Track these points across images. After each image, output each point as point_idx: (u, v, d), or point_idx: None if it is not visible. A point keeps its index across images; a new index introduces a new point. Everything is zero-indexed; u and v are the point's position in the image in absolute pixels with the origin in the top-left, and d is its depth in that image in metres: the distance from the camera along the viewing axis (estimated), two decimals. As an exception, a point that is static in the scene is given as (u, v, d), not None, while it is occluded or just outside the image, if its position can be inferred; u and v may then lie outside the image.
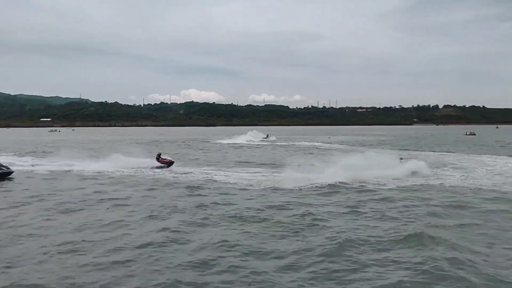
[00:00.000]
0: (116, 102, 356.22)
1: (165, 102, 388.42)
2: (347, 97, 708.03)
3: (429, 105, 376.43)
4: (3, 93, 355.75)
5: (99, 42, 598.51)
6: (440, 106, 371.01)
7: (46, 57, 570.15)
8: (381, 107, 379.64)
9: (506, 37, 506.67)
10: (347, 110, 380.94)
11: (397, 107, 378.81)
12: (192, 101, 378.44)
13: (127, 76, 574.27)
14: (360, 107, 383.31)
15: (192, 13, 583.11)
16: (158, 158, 33.76)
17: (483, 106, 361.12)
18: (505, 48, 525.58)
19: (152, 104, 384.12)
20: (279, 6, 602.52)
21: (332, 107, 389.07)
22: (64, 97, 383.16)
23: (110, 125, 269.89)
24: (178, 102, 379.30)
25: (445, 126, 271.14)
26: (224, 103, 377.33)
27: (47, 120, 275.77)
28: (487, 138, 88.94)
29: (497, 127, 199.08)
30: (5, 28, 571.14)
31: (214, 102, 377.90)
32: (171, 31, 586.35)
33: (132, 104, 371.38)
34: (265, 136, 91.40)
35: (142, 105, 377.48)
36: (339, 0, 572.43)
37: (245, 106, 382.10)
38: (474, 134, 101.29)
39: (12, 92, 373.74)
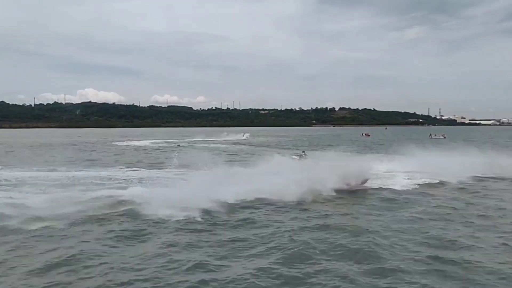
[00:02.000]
0: (2, 101, 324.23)
1: (59, 102, 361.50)
2: (250, 99, 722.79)
3: (327, 108, 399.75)
4: None
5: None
6: (336, 109, 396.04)
7: None
8: (283, 109, 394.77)
9: (392, 45, 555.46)
10: (250, 112, 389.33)
11: (297, 109, 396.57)
12: (90, 102, 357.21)
13: (14, 73, 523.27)
14: (263, 109, 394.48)
15: (91, 9, 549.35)
16: None
17: (374, 108, 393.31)
18: (391, 55, 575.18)
19: (45, 104, 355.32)
20: (182, 6, 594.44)
21: (235, 109, 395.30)
22: None
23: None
24: (74, 102, 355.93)
25: (341, 127, 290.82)
26: (125, 104, 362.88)
27: None
28: (381, 138, 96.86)
29: (386, 128, 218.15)
30: None
31: (114, 103, 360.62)
32: (66, 27, 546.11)
33: (21, 104, 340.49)
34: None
35: (33, 105, 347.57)
36: (241, 3, 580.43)
37: (148, 107, 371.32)
38: (369, 135, 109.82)
39: None
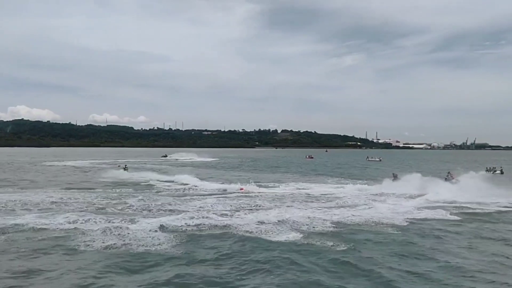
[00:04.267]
0: None
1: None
2: (193, 120, 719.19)
3: (269, 130, 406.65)
4: None
5: None
6: (279, 131, 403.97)
7: None
8: (226, 130, 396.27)
9: (331, 71, 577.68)
10: (193, 133, 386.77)
11: (240, 130, 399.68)
12: (22, 119, 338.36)
13: None
14: (206, 130, 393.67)
15: (26, 23, 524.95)
16: None
17: (315, 131, 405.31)
18: (331, 80, 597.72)
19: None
20: (124, 25, 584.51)
21: (178, 129, 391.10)
22: None
23: None
24: (5, 120, 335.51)
25: (283, 149, 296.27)
26: (61, 122, 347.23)
27: None
28: (325, 161, 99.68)
29: (326, 151, 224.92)
30: None
31: (48, 121, 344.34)
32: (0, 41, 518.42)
33: None
34: None
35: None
36: (184, 24, 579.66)
37: (85, 126, 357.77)
38: (313, 157, 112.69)
39: None
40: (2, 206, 21.59)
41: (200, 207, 22.12)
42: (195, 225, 17.14)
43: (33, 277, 11.18)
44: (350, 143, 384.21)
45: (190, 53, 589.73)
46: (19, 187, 32.29)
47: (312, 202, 25.25)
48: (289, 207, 22.47)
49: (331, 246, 14.22)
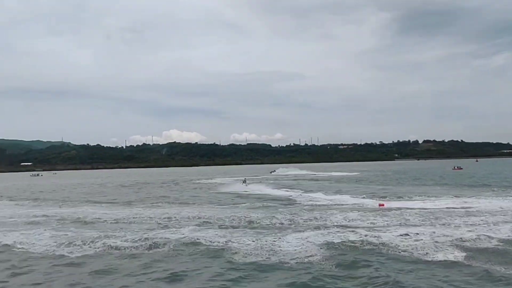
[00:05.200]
0: (98, 144, 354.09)
1: (147, 143, 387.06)
2: (327, 135, 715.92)
3: (409, 141, 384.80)
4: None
5: (79, 85, 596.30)
6: (420, 141, 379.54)
7: (26, 101, 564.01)
8: (362, 143, 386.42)
9: (476, 73, 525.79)
10: (328, 147, 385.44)
11: (377, 143, 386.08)
12: (175, 142, 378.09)
13: (108, 119, 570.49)
14: (342, 144, 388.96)
15: (172, 56, 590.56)
16: None
17: (461, 140, 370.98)
18: (478, 84, 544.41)
19: (134, 145, 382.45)
20: (256, 49, 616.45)
21: (314, 145, 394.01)
22: (45, 140, 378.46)
23: (92, 168, 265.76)
24: (160, 143, 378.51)
25: (426, 160, 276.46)
26: (206, 143, 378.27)
27: (27, 165, 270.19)
28: (476, 171, 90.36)
29: (476, 161, 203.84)
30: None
31: (196, 142, 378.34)
32: (151, 74, 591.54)
33: (114, 146, 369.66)
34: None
35: (124, 147, 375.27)
36: (314, 41, 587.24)
37: (228, 145, 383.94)
38: (461, 168, 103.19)
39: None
40: (164, 219, 24.44)
41: (343, 222, 21.94)
42: (341, 241, 16.90)
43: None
44: (505, 151, 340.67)
45: (322, 68, 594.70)
46: (180, 202, 36.38)
47: (469, 217, 22.81)
48: (444, 224, 20.53)
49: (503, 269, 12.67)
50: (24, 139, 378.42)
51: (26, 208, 34.94)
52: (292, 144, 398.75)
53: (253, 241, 17.33)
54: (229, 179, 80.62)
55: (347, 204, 31.24)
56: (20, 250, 17.47)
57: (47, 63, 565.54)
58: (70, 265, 14.86)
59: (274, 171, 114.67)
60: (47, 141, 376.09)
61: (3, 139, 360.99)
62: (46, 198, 47.04)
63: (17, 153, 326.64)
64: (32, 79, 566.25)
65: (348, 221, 22.20)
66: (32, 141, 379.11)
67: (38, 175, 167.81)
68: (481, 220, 21.36)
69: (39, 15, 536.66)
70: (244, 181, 62.97)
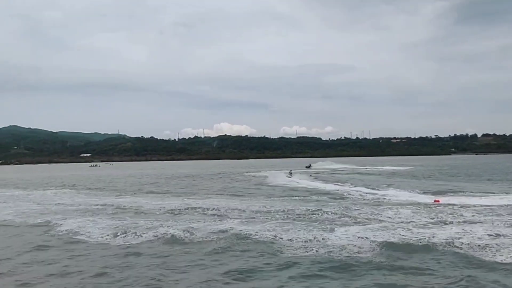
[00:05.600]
0: (152, 137, 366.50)
1: (198, 136, 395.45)
2: (379, 128, 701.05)
3: (467, 134, 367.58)
4: (45, 130, 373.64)
5: (136, 80, 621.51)
6: (479, 135, 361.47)
7: (85, 95, 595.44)
8: (416, 137, 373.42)
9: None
10: (381, 141, 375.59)
11: (433, 137, 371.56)
12: (225, 135, 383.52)
13: (161, 112, 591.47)
14: (394, 138, 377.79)
15: (222, 50, 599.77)
16: None
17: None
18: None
19: (186, 138, 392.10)
20: (307, 41, 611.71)
21: (365, 138, 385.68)
22: (102, 133, 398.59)
23: (146, 159, 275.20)
24: (211, 136, 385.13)
25: (485, 155, 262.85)
26: (257, 136, 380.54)
27: (86, 156, 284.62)
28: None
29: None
30: (46, 69, 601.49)
31: (246, 135, 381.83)
32: (202, 68, 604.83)
33: (167, 139, 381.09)
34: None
35: (176, 140, 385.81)
36: (366, 32, 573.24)
37: (277, 138, 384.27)
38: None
39: (54, 129, 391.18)
40: (216, 211, 24.93)
41: (395, 218, 21.29)
42: (392, 236, 16.46)
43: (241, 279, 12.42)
44: None
45: (374, 60, 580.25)
46: (231, 194, 37.16)
47: None
48: (505, 223, 19.02)
49: None
50: (84, 132, 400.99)
51: (86, 197, 36.79)
52: (342, 138, 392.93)
53: (303, 235, 17.26)
54: (276, 172, 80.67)
55: (399, 199, 30.31)
56: (78, 237, 18.42)
57: (103, 59, 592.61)
58: (125, 253, 15.46)
59: (310, 165, 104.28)
60: (105, 134, 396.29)
61: (65, 131, 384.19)
62: (104, 187, 49.30)
63: (77, 145, 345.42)
64: (90, 74, 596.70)
65: (400, 217, 21.52)
66: (91, 133, 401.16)
67: (96, 165, 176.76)
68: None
69: (95, 12, 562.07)
70: (290, 173, 65.98)
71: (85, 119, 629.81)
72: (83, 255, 15.25)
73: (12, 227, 22.01)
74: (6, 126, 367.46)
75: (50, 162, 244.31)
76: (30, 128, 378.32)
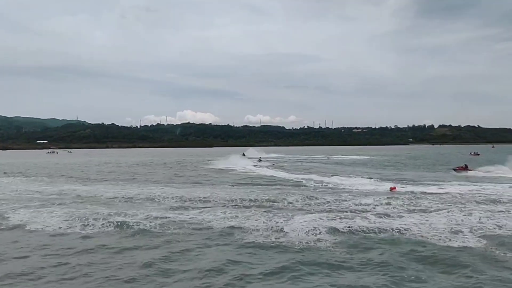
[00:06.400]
0: (112, 123, 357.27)
1: (161, 123, 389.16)
2: (343, 118, 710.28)
3: (425, 125, 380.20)
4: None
5: (96, 65, 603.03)
6: (436, 126, 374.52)
7: (43, 80, 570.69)
8: (377, 127, 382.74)
9: (499, 58, 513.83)
10: (343, 131, 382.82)
11: (392, 127, 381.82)
12: (189, 122, 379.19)
13: (123, 98, 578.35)
14: (356, 127, 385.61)
15: (188, 37, 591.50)
16: None
17: (478, 125, 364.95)
18: (498, 68, 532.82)
19: (149, 125, 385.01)
20: (274, 31, 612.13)
21: (328, 127, 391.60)
22: (61, 119, 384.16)
23: (107, 147, 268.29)
24: (175, 124, 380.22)
25: (441, 146, 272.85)
26: (220, 124, 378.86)
27: (43, 142, 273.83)
28: (493, 158, 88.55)
29: (493, 147, 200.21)
30: (2, 52, 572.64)
31: (210, 123, 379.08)
32: (166, 54, 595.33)
33: (129, 126, 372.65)
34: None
35: (138, 127, 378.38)
36: (332, 23, 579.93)
37: (241, 127, 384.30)
38: (479, 154, 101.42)
39: (9, 114, 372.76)
40: (176, 199, 24.58)
41: (354, 206, 21.66)
42: (350, 225, 16.47)
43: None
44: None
45: (339, 51, 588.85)
46: (193, 182, 36.85)
47: (488, 203, 21.99)
48: (459, 210, 19.78)
49: None
50: (40, 117, 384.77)
51: (41, 185, 35.42)
52: (306, 127, 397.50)
53: (264, 222, 17.28)
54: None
55: (357, 188, 30.92)
56: (33, 227, 17.67)
57: (63, 43, 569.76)
58: (82, 242, 15.02)
59: (244, 154, 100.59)
60: (63, 120, 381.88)
61: (20, 117, 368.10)
62: (60, 175, 47.68)
63: (33, 131, 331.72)
64: (49, 58, 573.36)
65: (358, 205, 21.95)
66: (48, 119, 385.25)
67: (53, 152, 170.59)
68: (499, 207, 20.90)
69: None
70: (260, 160, 72.78)
71: (42, 105, 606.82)
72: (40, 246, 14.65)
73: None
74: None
75: (4, 148, 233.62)
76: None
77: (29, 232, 16.79)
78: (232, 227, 16.78)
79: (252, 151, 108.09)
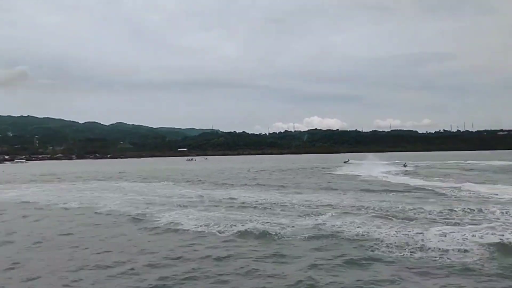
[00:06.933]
0: (243, 131, 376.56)
1: (289, 130, 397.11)
2: (484, 120, 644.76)
3: None
4: (147, 126, 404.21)
5: (228, 76, 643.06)
6: None
7: (182, 92, 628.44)
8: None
9: None
10: (485, 134, 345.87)
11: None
12: (315, 129, 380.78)
13: (253, 107, 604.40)
14: (501, 130, 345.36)
15: (313, 42, 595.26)
16: None
17: None
18: None
19: (277, 132, 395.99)
20: (401, 30, 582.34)
21: (467, 131, 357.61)
22: (198, 128, 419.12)
23: (238, 154, 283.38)
24: (302, 130, 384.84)
25: None
26: (348, 130, 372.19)
27: (183, 150, 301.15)
28: None
29: None
30: (144, 69, 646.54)
31: (337, 129, 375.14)
32: (293, 61, 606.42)
33: (258, 133, 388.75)
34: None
35: (267, 134, 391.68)
36: (468, 17, 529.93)
37: (370, 132, 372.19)
38: None
39: (155, 125, 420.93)
40: (305, 206, 24.92)
41: (502, 217, 19.49)
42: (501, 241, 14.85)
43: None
44: None
45: (477, 46, 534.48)
46: (323, 188, 37.00)
47: None
48: None
49: None
50: (181, 127, 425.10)
51: (183, 189, 38.96)
52: (441, 131, 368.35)
53: (397, 233, 16.53)
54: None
55: (507, 197, 27.66)
56: (174, 227, 19.55)
57: (199, 57, 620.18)
58: (216, 244, 16.08)
59: (348, 160, 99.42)
60: (199, 129, 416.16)
61: (164, 127, 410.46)
62: (200, 180, 51.65)
63: (175, 140, 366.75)
64: (186, 72, 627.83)
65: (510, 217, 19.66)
66: (187, 128, 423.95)
67: (192, 159, 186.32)
68: None
69: (191, 12, 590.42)
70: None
71: (182, 116, 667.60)
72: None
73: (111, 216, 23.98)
74: (114, 123, 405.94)
75: (151, 156, 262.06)
76: (133, 124, 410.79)
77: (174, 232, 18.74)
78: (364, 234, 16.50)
79: (371, 157, 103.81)
